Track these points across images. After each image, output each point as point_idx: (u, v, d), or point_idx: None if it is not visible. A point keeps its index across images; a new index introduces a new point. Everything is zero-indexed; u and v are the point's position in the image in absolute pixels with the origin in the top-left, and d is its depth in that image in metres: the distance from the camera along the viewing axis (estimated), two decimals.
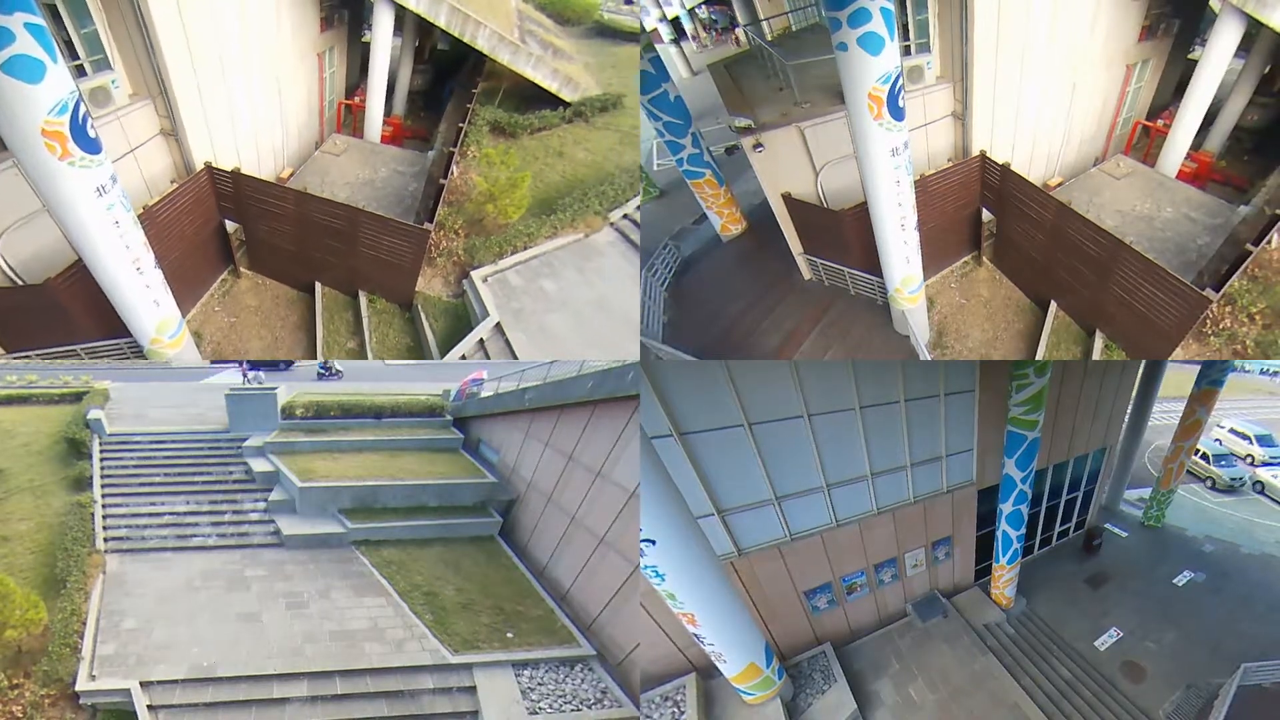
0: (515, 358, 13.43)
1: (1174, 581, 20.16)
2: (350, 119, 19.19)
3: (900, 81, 10.32)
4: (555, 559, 15.71)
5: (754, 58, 15.85)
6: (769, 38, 17.76)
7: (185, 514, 17.02)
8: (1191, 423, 21.79)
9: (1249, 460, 31.03)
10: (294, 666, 12.23)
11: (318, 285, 14.88)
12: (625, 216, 15.90)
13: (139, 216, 10.72)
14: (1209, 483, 28.78)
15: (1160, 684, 15.61)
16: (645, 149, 19.40)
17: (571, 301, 14.20)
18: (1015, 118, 14.70)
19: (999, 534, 16.79)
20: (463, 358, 13.43)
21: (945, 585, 18.23)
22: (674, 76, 17.75)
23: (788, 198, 14.69)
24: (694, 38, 34.10)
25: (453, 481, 18.71)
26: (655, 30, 30.21)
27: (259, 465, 18.81)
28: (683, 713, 13.51)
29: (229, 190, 14.21)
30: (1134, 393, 22.92)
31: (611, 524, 13.68)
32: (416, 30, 19.16)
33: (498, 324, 13.63)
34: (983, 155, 14.35)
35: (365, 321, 14.27)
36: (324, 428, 21.10)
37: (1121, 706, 14.99)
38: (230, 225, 14.87)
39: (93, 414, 20.31)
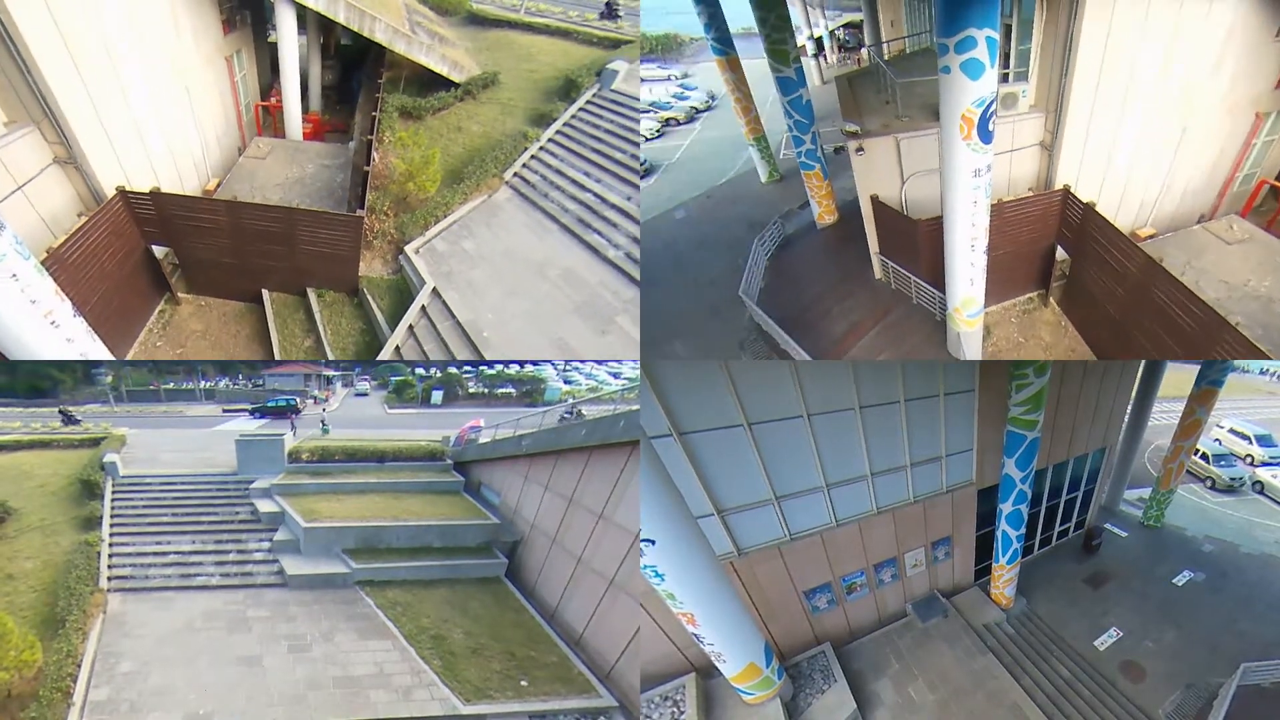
0: (453, 316, 13.68)
1: (1174, 581, 19.82)
2: (269, 120, 19.30)
3: (993, 106, 10.46)
4: (565, 601, 15.01)
5: (871, 74, 16.65)
6: (886, 57, 19.02)
7: (190, 553, 16.40)
8: (1191, 422, 21.38)
9: (1248, 460, 30.57)
10: (295, 716, 11.36)
11: (265, 292, 14.59)
12: (515, 175, 17.21)
13: (43, 262, 9.33)
14: (1209, 483, 28.36)
15: (1160, 683, 15.28)
16: (776, 141, 22.98)
17: (488, 255, 15.01)
18: (1108, 156, 13.90)
19: (999, 534, 16.40)
20: (410, 327, 13.68)
21: (945, 585, 17.84)
22: (809, 85, 19.74)
23: (875, 199, 15.06)
24: (821, 55, 36.98)
25: (457, 522, 18.15)
26: (803, 45, 33.63)
27: (265, 506, 18.31)
28: (682, 712, 12.90)
29: (150, 213, 13.23)
30: (1134, 393, 22.63)
31: (619, 566, 13.07)
32: (319, 28, 19.60)
33: (434, 289, 14.07)
34: (1066, 190, 13.63)
35: (318, 316, 14.24)
36: (328, 471, 20.86)
37: (1121, 706, 14.63)
38: (159, 250, 13.95)
39: (109, 458, 20.01)
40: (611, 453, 13.64)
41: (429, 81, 19.34)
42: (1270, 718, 13.79)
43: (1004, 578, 17.11)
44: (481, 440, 21.67)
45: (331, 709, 11.57)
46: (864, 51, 32.21)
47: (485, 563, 17.19)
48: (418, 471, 21.65)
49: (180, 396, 47.79)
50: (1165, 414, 27.57)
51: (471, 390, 49.08)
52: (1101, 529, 22.06)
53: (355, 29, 17.60)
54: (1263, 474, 28.36)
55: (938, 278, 13.55)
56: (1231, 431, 32.55)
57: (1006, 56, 13.56)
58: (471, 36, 22.49)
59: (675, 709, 13.01)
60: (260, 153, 17.55)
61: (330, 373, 53.79)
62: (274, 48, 18.44)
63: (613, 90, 19.16)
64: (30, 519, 17.18)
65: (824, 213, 19.77)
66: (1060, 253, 14.52)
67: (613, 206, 16.15)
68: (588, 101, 19.08)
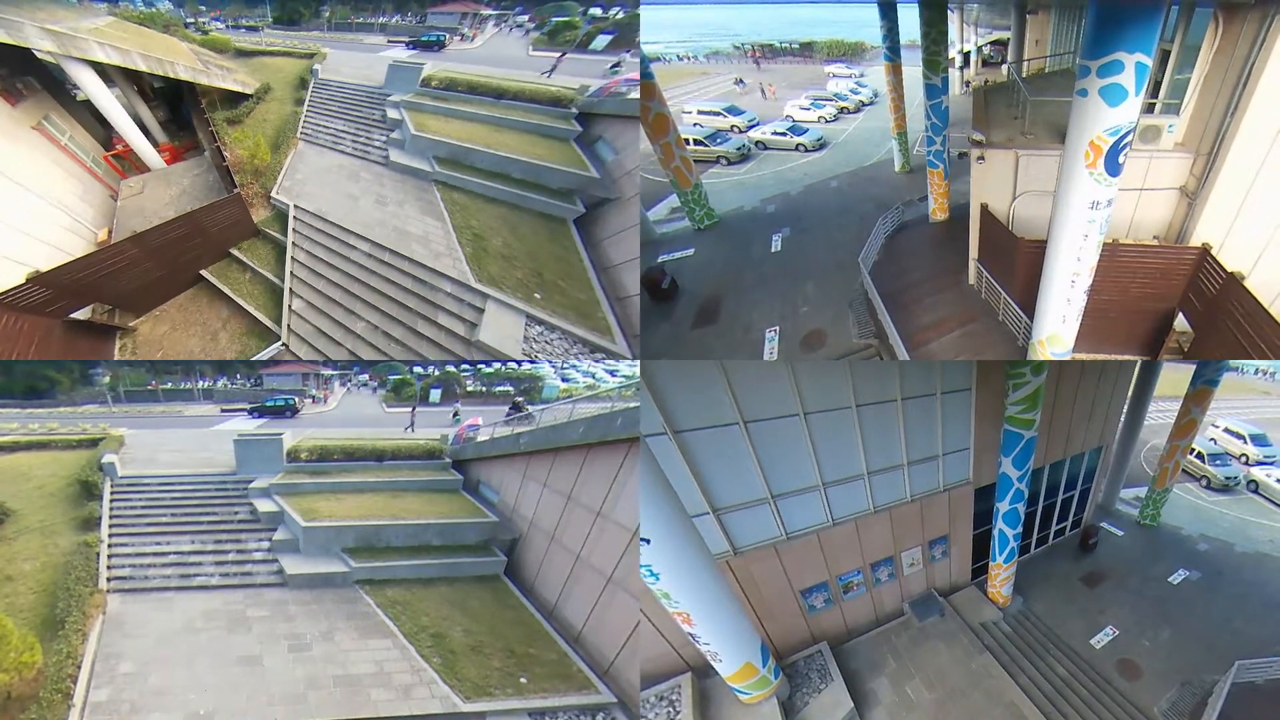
0: (308, 211, 19.15)
1: (1169, 580, 20.21)
2: (128, 164, 23.08)
3: (1129, 138, 9.73)
4: (564, 599, 15.05)
5: (1007, 89, 16.84)
6: (1024, 75, 19.65)
7: (189, 553, 16.40)
8: (1187, 422, 21.56)
9: (1243, 459, 30.90)
10: (296, 715, 11.40)
11: (203, 272, 18.20)
12: (302, 133, 23.73)
13: None
14: (1204, 482, 28.92)
15: (1155, 681, 15.56)
16: (914, 138, 27.16)
17: (309, 176, 21.17)
18: (1277, 222, 11.83)
19: (996, 532, 16.45)
20: (293, 230, 18.67)
21: (942, 584, 17.94)
22: (950, 93, 21.99)
23: (984, 208, 15.16)
24: (965, 68, 41.03)
25: (456, 521, 18.15)
26: (952, 58, 38.07)
27: (264, 506, 18.29)
28: (678, 712, 12.91)
29: (41, 297, 13.98)
30: (1130, 392, 22.95)
31: (618, 563, 13.10)
32: (128, 78, 23.46)
33: (295, 205, 19.36)
34: (1203, 250, 12.04)
35: (245, 258, 18.57)
36: (327, 470, 20.85)
37: (1117, 704, 14.90)
38: (82, 313, 15.51)
39: (107, 458, 20.02)
40: (609, 450, 13.68)
41: (234, 98, 25.64)
42: (1264, 714, 14.20)
43: (1001, 576, 17.18)
44: (480, 438, 21.70)
45: (332, 708, 11.61)
46: (1004, 68, 34.05)
47: (484, 560, 17.20)
48: (416, 470, 21.62)
49: (178, 396, 47.75)
50: (1161, 413, 27.87)
51: (469, 389, 49.16)
52: (1098, 528, 22.33)
53: (161, 74, 21.55)
54: (1257, 473, 28.75)
55: (1029, 302, 12.94)
56: (1227, 431, 32.88)
57: (1156, 85, 12.34)
58: (245, 64, 30.65)
59: (671, 709, 13.02)
60: (135, 190, 21.28)
61: (328, 371, 53.81)
62: (90, 104, 21.10)
63: (319, 79, 28.19)
64: (29, 520, 17.16)
65: (937, 209, 21.56)
66: (1181, 322, 13.01)
67: (341, 132, 23.89)
68: (313, 87, 27.54)
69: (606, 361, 54.58)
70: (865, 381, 13.50)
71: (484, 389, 49.28)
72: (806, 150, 33.83)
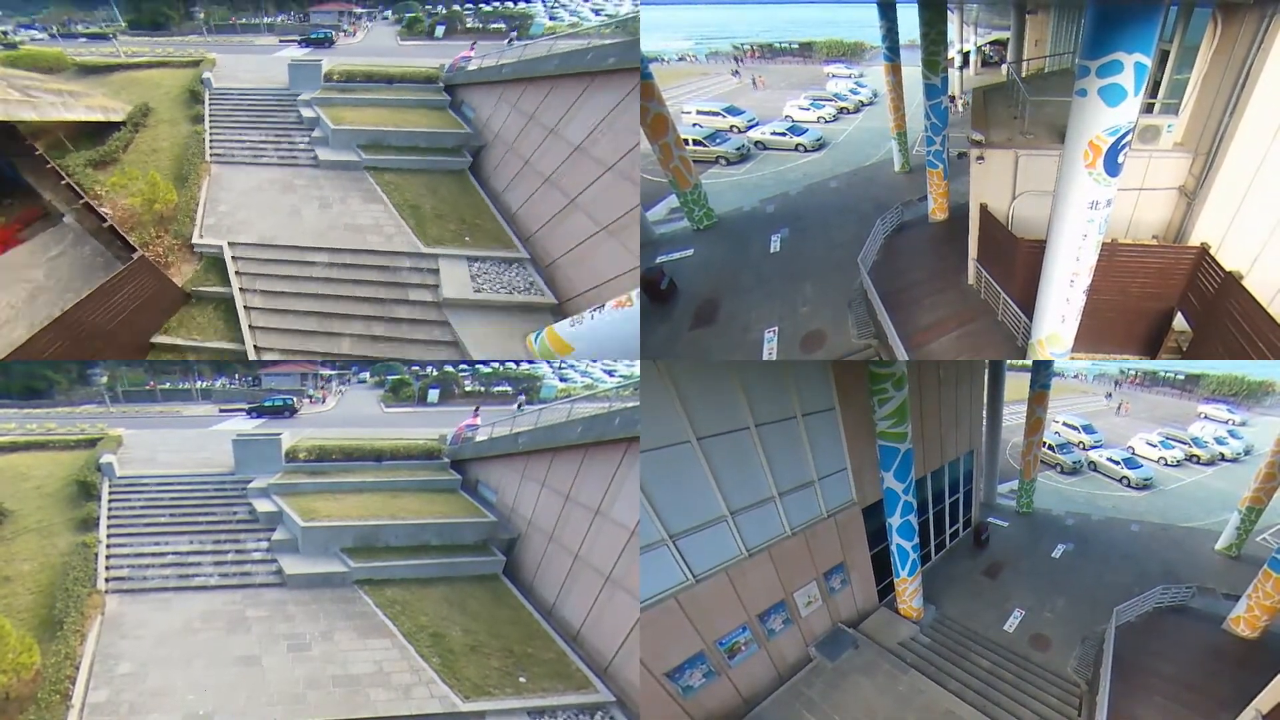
0: (249, 243, 17.58)
1: (1053, 555, 22.80)
2: None
3: (1128, 138, 9.67)
4: (562, 598, 15.06)
5: (1006, 89, 16.86)
6: (1023, 75, 19.60)
7: (188, 554, 16.44)
8: (1034, 420, 24.84)
9: (1081, 446, 36.92)
10: (295, 715, 11.45)
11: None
12: (212, 154, 21.51)
13: None
14: (1058, 468, 34.14)
15: (1063, 646, 17.10)
16: (913, 139, 26.91)
17: (237, 203, 19.30)
18: (1275, 222, 11.80)
19: (893, 548, 16.37)
20: (237, 273, 16.68)
21: (849, 615, 17.12)
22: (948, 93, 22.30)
23: (984, 208, 15.07)
24: (965, 68, 41.11)
25: (454, 520, 18.21)
26: (951, 58, 37.93)
27: (262, 506, 18.32)
28: None
29: None
30: (985, 398, 25.26)
31: (616, 562, 13.11)
32: None
33: (228, 243, 17.48)
34: (1202, 250, 12.01)
35: (184, 344, 15.71)
36: (326, 470, 20.91)
37: (1040, 676, 15.94)
38: None
39: (105, 458, 20.05)
40: (607, 449, 13.73)
41: (93, 131, 20.48)
42: (1142, 643, 16.18)
43: (909, 590, 17.05)
44: (478, 438, 21.70)
45: (331, 708, 11.65)
46: (1003, 67, 34.16)
47: (483, 560, 17.24)
48: (415, 470, 21.66)
49: (176, 396, 47.65)
50: (1012, 415, 30.16)
51: (468, 389, 49.10)
52: (987, 523, 24.15)
53: None
54: (1093, 455, 34.78)
55: (1028, 302, 12.72)
56: (1065, 424, 39.30)
57: (1156, 85, 12.26)
58: (99, 84, 24.71)
59: None
60: None
61: (327, 371, 53.77)
62: None
63: (215, 88, 25.26)
64: (27, 521, 17.17)
65: (937, 209, 21.37)
66: (1180, 321, 13.01)
67: (260, 143, 22.46)
68: (210, 98, 24.57)
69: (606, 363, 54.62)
70: (707, 409, 12.13)
71: (482, 389, 49.22)
72: (806, 150, 33.80)
